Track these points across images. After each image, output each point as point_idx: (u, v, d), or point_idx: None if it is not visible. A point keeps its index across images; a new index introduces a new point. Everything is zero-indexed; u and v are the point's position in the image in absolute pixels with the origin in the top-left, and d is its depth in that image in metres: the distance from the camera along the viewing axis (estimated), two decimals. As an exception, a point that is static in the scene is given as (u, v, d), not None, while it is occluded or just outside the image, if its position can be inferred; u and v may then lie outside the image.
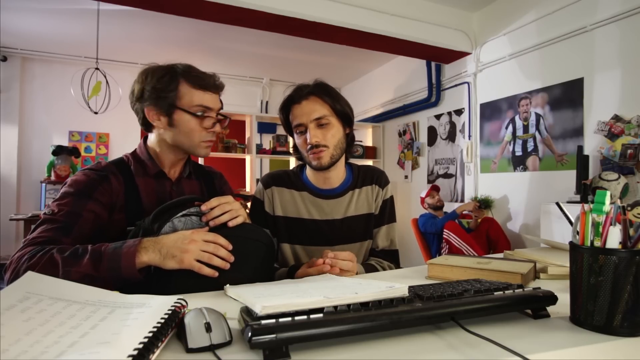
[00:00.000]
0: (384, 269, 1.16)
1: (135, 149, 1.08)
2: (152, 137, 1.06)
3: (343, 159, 1.22)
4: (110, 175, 0.97)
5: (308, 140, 1.11)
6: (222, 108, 1.06)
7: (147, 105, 0.99)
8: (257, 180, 4.70)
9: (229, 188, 1.20)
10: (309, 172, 1.23)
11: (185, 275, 0.81)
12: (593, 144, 2.69)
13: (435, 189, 3.57)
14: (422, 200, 3.61)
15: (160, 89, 0.97)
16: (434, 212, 3.52)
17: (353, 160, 1.34)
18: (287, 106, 1.17)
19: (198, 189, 1.11)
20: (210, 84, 1.00)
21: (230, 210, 0.91)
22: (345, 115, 1.16)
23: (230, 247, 0.85)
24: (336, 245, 1.17)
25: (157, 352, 0.46)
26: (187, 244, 0.80)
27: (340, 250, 0.98)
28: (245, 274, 0.84)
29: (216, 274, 0.81)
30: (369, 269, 1.13)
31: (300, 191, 1.21)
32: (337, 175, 1.21)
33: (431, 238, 3.35)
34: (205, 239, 0.83)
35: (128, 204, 0.97)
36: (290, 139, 1.26)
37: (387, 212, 1.26)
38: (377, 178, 1.26)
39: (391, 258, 1.23)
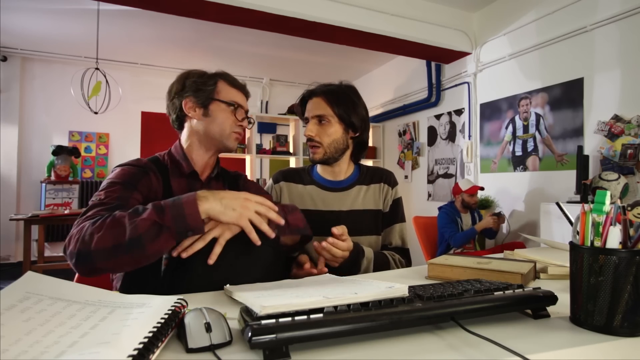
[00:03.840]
0: (395, 262, 1.21)
1: (171, 149, 1.10)
2: (184, 135, 1.10)
3: (347, 157, 1.29)
4: (150, 172, 0.99)
5: (305, 134, 1.24)
6: (248, 112, 1.14)
7: (186, 97, 1.05)
8: (258, 181, 4.71)
9: (255, 185, 1.24)
10: (318, 166, 1.32)
11: (199, 275, 0.82)
12: (593, 144, 2.69)
13: (481, 189, 3.20)
14: (458, 190, 3.16)
15: (201, 82, 1.06)
16: (461, 209, 3.16)
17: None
18: (306, 100, 1.28)
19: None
20: (243, 87, 1.12)
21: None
22: (347, 121, 1.23)
23: (276, 208, 0.90)
24: None
25: (157, 352, 0.46)
26: (244, 202, 0.84)
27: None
28: (255, 278, 0.85)
29: (259, 242, 0.85)
30: (380, 256, 1.18)
31: (307, 185, 1.29)
32: (342, 170, 1.29)
33: (444, 238, 3.11)
34: (257, 200, 0.87)
35: None
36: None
37: (399, 211, 1.31)
38: (386, 177, 1.32)
39: (403, 256, 1.27)
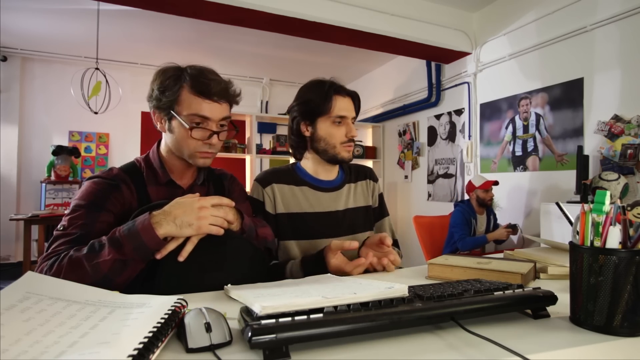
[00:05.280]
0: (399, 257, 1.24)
1: (148, 153, 1.04)
2: (162, 141, 1.03)
3: None
4: (121, 185, 0.93)
5: (350, 133, 1.20)
6: (227, 118, 0.99)
7: (152, 107, 0.98)
8: (257, 180, 4.69)
9: (240, 189, 1.18)
10: (309, 165, 1.26)
11: (170, 278, 0.82)
12: (593, 144, 2.69)
13: (495, 184, 3.05)
14: (471, 187, 3.07)
15: (162, 90, 0.94)
16: (478, 209, 3.06)
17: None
18: (331, 93, 1.19)
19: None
20: (215, 91, 0.94)
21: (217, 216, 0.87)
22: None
23: (233, 204, 0.89)
24: (341, 236, 1.22)
25: (157, 352, 0.46)
26: (199, 211, 0.82)
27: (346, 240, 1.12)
28: (231, 274, 0.84)
29: (222, 232, 0.84)
30: None
31: (300, 186, 1.23)
32: (336, 169, 1.30)
33: (453, 239, 3.04)
34: (212, 203, 0.85)
35: None
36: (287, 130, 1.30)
37: (384, 205, 1.37)
38: (369, 174, 1.36)
39: (396, 247, 1.30)
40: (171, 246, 0.81)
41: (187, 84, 0.93)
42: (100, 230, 0.86)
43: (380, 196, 1.36)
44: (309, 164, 1.26)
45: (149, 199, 0.96)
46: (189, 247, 0.82)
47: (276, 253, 1.19)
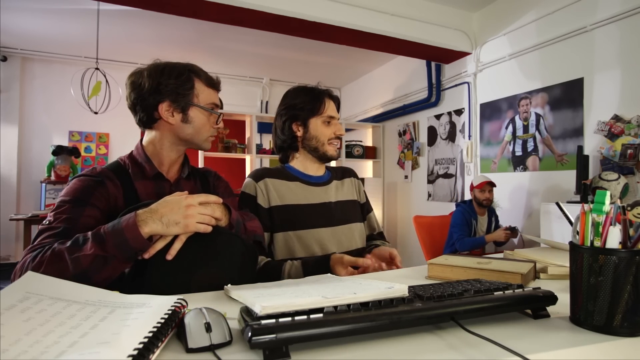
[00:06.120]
0: None
1: (132, 151, 1.07)
2: (151, 135, 1.05)
3: None
4: (106, 180, 0.95)
5: (339, 132, 1.32)
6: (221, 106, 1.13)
7: (164, 101, 1.00)
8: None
9: (225, 185, 1.20)
10: (298, 164, 1.34)
11: (159, 275, 0.81)
12: (593, 144, 2.69)
13: (490, 184, 3.07)
14: (471, 186, 3.15)
15: (180, 85, 1.00)
16: (478, 209, 3.09)
17: (350, 160, 1.48)
18: (324, 95, 1.32)
19: (196, 189, 1.11)
20: (217, 83, 1.10)
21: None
22: None
23: (220, 201, 0.91)
24: (336, 225, 1.28)
25: (157, 352, 0.46)
26: (186, 210, 0.81)
27: (342, 230, 1.26)
28: (221, 270, 0.84)
29: (210, 229, 0.85)
30: None
31: (291, 181, 1.30)
32: (323, 167, 1.40)
33: (453, 236, 3.05)
34: (199, 201, 0.85)
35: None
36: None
37: (369, 201, 1.50)
38: (353, 173, 1.48)
39: (383, 239, 1.44)
40: (159, 245, 0.80)
41: (200, 78, 1.04)
42: (86, 224, 0.86)
43: (365, 193, 1.49)
44: (298, 163, 1.34)
45: (137, 194, 0.97)
46: (177, 246, 0.81)
47: (267, 247, 1.21)
